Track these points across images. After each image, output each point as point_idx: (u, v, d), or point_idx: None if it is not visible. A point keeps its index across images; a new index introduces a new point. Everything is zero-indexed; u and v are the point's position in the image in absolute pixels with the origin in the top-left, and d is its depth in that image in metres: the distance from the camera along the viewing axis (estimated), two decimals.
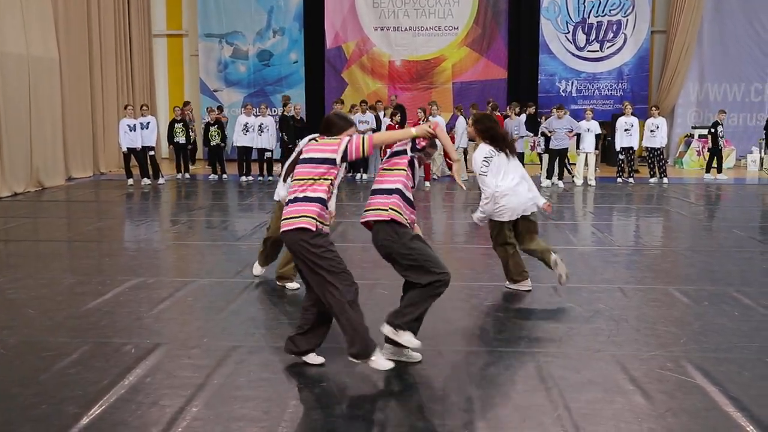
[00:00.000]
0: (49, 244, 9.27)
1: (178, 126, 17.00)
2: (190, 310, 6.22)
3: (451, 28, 20.70)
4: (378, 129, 17.00)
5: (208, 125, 17.15)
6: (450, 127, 17.32)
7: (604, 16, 20.42)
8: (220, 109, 18.48)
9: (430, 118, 15.44)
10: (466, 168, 15.57)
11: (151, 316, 5.92)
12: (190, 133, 17.86)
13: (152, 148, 15.98)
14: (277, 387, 4.41)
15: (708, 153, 17.80)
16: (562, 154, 15.76)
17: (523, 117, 16.62)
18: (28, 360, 4.89)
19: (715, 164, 17.35)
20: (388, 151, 4.89)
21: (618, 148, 16.58)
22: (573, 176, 16.25)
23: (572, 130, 15.60)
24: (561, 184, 15.72)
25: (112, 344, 5.20)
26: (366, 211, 4.75)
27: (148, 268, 7.74)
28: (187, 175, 17.11)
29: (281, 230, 4.44)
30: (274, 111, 19.85)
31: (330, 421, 3.96)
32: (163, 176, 16.19)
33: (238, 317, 5.94)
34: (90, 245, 9.15)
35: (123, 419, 3.96)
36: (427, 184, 15.53)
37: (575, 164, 16.31)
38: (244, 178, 16.44)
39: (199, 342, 5.27)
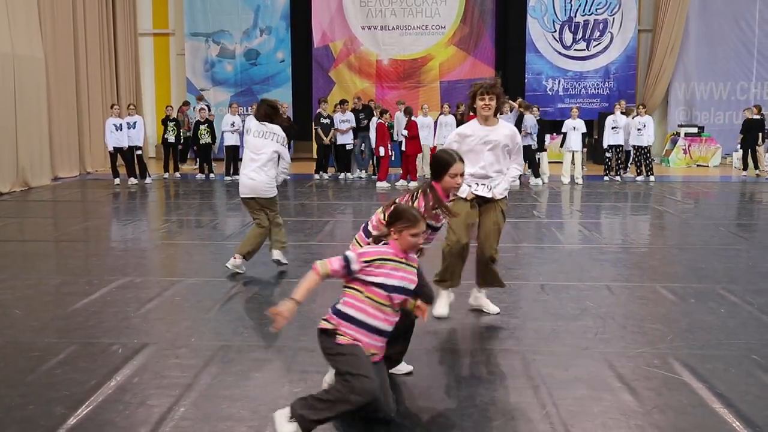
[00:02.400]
0: (36, 244, 9.22)
1: (170, 125, 16.99)
2: (177, 310, 6.20)
3: (438, 27, 20.72)
4: (363, 127, 17.03)
5: (198, 123, 17.15)
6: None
7: (591, 14, 20.49)
8: (208, 108, 18.43)
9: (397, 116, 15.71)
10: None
11: (138, 316, 5.90)
12: (187, 133, 17.85)
13: (140, 148, 15.93)
14: (266, 386, 4.40)
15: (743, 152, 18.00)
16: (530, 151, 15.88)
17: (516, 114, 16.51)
18: (14, 361, 4.87)
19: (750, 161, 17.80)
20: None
21: (605, 146, 16.65)
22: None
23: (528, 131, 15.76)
24: (540, 182, 15.83)
25: (99, 344, 5.18)
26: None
27: (136, 267, 7.71)
28: (177, 174, 17.06)
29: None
30: None
31: None
32: (150, 176, 16.14)
33: (226, 316, 5.93)
34: (77, 245, 9.11)
35: (110, 419, 3.95)
36: (414, 183, 15.58)
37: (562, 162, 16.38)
38: (229, 178, 16.40)
39: (187, 341, 5.26)
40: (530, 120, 15.79)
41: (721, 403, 4.16)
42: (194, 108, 18.78)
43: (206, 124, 17.01)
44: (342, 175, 17.06)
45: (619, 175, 16.67)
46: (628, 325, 5.67)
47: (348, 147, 17.05)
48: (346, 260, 3.78)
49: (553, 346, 5.18)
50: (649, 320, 5.80)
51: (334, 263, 3.78)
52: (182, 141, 17.76)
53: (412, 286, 3.96)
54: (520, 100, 16.90)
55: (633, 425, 3.89)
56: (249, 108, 17.46)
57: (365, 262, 3.79)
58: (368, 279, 3.79)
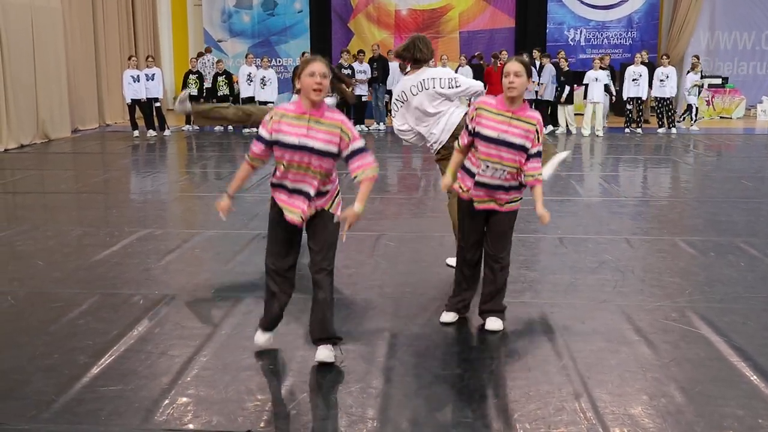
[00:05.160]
0: (57, 195, 9.30)
1: (192, 77, 16.90)
2: (197, 262, 6.26)
3: None
4: (382, 79, 16.89)
5: (216, 75, 17.06)
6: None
7: None
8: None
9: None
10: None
11: (159, 267, 5.96)
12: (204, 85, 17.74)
13: (158, 100, 15.91)
14: (285, 337, 4.44)
15: None
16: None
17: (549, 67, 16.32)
18: (37, 311, 4.94)
19: None
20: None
21: (625, 98, 16.43)
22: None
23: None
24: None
25: (120, 295, 5.24)
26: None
27: (156, 219, 7.77)
28: (195, 127, 17.03)
29: None
30: (279, 62, 19.89)
31: (337, 368, 4.00)
32: (168, 128, 16.15)
33: (246, 268, 5.97)
34: (97, 197, 9.17)
35: (133, 369, 4.01)
36: None
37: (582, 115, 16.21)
38: (246, 131, 16.34)
39: (207, 293, 5.31)
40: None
41: (739, 357, 4.16)
42: (207, 60, 18.56)
43: (224, 76, 16.93)
44: (358, 127, 16.96)
45: (641, 126, 16.45)
46: (647, 278, 5.65)
47: (363, 98, 16.95)
48: (258, 137, 3.94)
49: (571, 299, 5.18)
50: (667, 273, 5.78)
51: (254, 146, 3.95)
52: (204, 94, 17.68)
53: (313, 143, 3.82)
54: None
55: (650, 378, 3.91)
56: (259, 60, 17.21)
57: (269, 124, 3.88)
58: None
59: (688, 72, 17.04)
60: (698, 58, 17.22)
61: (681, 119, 17.23)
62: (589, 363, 4.08)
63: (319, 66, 3.78)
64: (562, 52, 17.02)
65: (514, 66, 4.26)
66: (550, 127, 16.10)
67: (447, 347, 4.35)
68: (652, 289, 5.39)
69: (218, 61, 17.52)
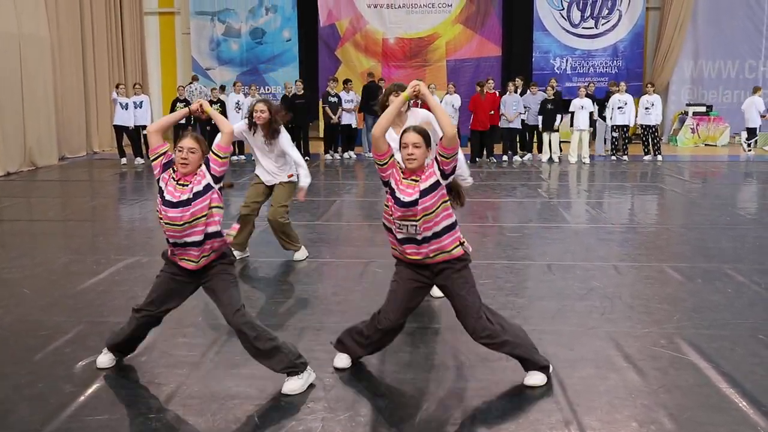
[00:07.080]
0: (44, 223, 9.25)
1: (180, 105, 16.93)
2: None
3: (444, 5, 20.54)
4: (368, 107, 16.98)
5: (210, 103, 17.09)
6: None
7: None
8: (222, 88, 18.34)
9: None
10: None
11: (146, 296, 5.91)
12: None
13: (145, 127, 15.92)
14: None
15: None
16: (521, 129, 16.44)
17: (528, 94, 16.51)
18: (23, 339, 4.90)
19: None
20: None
21: (612, 126, 16.58)
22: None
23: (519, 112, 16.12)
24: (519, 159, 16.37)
25: (107, 323, 5.20)
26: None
27: (143, 247, 7.73)
28: None
29: None
30: (268, 90, 19.94)
31: (325, 397, 3.98)
32: None
33: None
34: (84, 224, 9.14)
35: (120, 398, 3.98)
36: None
37: (569, 142, 16.31)
38: (235, 158, 16.37)
39: (194, 321, 5.28)
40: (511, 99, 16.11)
41: (727, 383, 4.16)
42: (195, 88, 18.61)
43: (218, 104, 16.98)
44: (347, 155, 17.01)
45: (626, 154, 16.56)
46: (635, 305, 5.67)
47: (353, 126, 17.05)
48: None
49: (559, 326, 5.18)
50: (655, 300, 5.80)
51: None
52: (192, 122, 17.71)
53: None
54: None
55: (639, 404, 3.91)
56: (247, 88, 17.35)
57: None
58: None
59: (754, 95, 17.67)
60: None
61: (748, 143, 17.67)
62: (578, 390, 4.08)
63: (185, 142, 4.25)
64: (553, 80, 17.14)
65: (411, 137, 3.99)
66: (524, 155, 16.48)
67: (432, 373, 4.33)
68: (640, 316, 5.41)
69: (213, 89, 17.60)
